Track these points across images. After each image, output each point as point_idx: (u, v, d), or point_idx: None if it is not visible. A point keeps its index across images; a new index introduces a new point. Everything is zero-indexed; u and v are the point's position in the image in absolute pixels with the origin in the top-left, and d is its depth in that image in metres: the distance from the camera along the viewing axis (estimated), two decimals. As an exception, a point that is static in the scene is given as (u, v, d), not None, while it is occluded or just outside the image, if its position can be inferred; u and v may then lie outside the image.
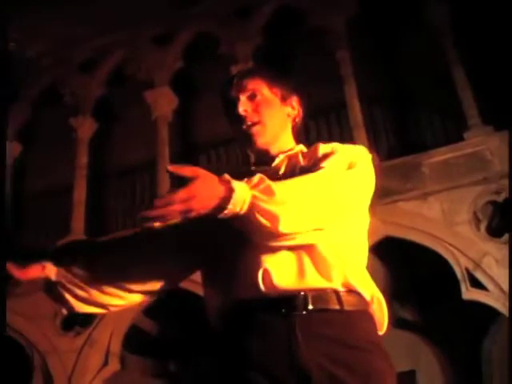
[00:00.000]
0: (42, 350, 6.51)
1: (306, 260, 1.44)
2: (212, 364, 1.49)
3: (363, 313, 1.48)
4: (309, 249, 1.44)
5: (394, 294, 5.69)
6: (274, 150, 1.66)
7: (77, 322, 6.49)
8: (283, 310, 1.40)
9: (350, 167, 1.50)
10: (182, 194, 1.20)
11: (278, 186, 1.32)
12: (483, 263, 5.36)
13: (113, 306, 1.68)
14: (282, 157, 1.64)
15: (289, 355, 1.36)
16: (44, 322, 6.54)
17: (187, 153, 8.02)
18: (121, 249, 1.77)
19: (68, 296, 1.63)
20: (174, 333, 7.07)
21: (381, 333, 1.54)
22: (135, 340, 6.81)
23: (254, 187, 1.29)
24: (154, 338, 7.31)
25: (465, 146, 5.95)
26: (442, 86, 6.62)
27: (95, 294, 1.63)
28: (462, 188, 5.69)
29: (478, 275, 5.35)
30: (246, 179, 1.31)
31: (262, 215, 1.28)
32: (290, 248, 1.42)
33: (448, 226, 5.62)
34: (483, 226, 5.52)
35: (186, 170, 1.23)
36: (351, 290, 1.46)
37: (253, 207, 1.27)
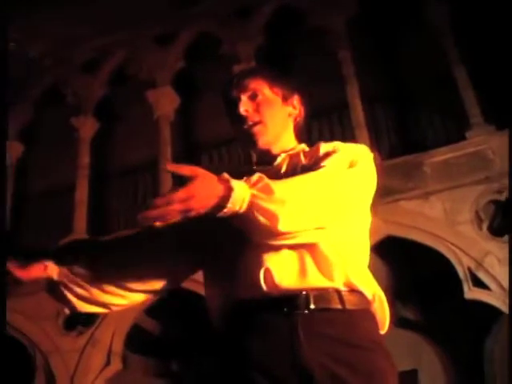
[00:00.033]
0: (45, 350, 6.51)
1: (308, 259, 1.44)
2: (214, 364, 1.49)
3: (365, 312, 1.48)
4: (310, 248, 1.44)
5: (395, 294, 5.69)
6: (275, 150, 1.66)
7: (79, 322, 6.49)
8: (285, 310, 1.40)
9: (352, 166, 1.49)
10: (181, 193, 1.20)
11: (278, 185, 1.32)
12: (485, 262, 5.36)
13: (115, 305, 1.68)
14: (283, 156, 1.64)
15: (291, 354, 1.37)
16: (46, 322, 6.54)
17: (189, 152, 8.02)
18: (122, 248, 1.77)
19: (70, 295, 1.63)
20: (176, 332, 7.08)
21: (383, 332, 1.54)
22: (137, 340, 6.81)
23: (253, 186, 1.29)
24: (156, 338, 7.31)
25: (466, 145, 5.95)
26: (444, 85, 6.62)
27: (97, 294, 1.63)
28: (463, 187, 5.68)
29: (481, 275, 5.35)
30: (245, 178, 1.31)
31: (261, 214, 1.28)
32: (292, 247, 1.42)
33: (450, 225, 5.61)
34: (485, 226, 5.51)
35: (185, 170, 1.23)
36: (353, 289, 1.46)
37: (252, 206, 1.27)
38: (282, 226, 1.30)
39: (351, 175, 1.47)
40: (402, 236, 5.78)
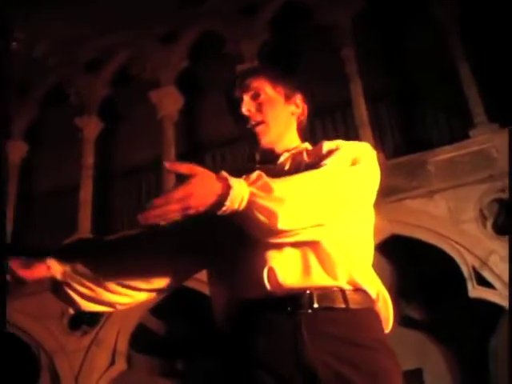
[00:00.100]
0: (49, 350, 6.53)
1: (312, 258, 1.43)
2: (219, 363, 1.49)
3: (369, 311, 1.47)
4: (314, 246, 1.43)
5: (400, 293, 5.69)
6: (278, 149, 1.66)
7: (84, 322, 6.51)
8: (289, 309, 1.40)
9: (354, 163, 1.49)
10: (179, 192, 1.20)
11: (277, 183, 1.31)
12: (490, 261, 5.35)
13: (119, 304, 1.68)
14: (286, 155, 1.64)
15: (295, 354, 1.36)
16: (51, 322, 6.56)
17: (193, 152, 8.02)
18: (126, 248, 1.77)
19: (74, 295, 1.63)
20: (181, 332, 7.08)
21: (387, 331, 1.54)
22: (142, 339, 6.82)
23: (251, 184, 1.29)
24: (161, 337, 7.32)
25: (470, 144, 5.94)
26: (448, 83, 6.61)
27: (101, 293, 1.63)
28: (467, 186, 5.68)
29: (485, 273, 5.34)
30: (244, 176, 1.31)
31: (260, 212, 1.28)
32: (295, 245, 1.42)
33: (454, 223, 5.61)
34: (489, 224, 5.51)
35: (184, 168, 1.23)
36: (357, 288, 1.45)
37: (251, 204, 1.27)
38: (281, 224, 1.30)
39: (353, 173, 1.47)
40: (406, 235, 5.78)
